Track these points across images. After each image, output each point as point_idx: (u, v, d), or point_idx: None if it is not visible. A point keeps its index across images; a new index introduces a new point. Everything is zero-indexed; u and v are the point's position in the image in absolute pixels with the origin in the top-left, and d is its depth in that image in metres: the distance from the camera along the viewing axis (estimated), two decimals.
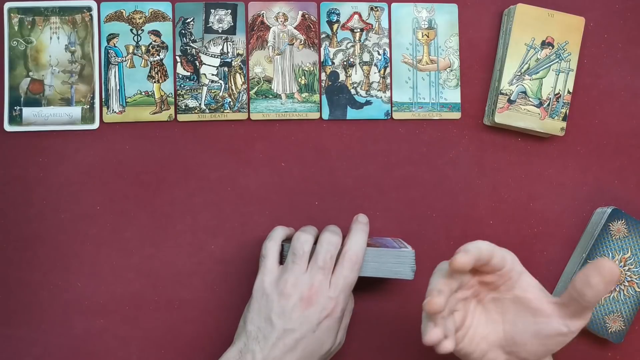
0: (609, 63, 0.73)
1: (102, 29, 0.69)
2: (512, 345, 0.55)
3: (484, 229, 0.71)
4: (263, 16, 0.70)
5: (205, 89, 0.69)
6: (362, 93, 0.71)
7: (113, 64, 0.69)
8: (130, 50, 0.69)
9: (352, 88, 0.70)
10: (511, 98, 0.69)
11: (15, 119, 0.68)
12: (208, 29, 0.70)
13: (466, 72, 0.72)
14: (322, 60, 0.71)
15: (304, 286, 0.60)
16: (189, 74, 0.69)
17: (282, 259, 0.62)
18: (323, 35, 0.71)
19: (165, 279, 0.68)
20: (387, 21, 0.71)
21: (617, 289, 0.69)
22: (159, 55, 0.69)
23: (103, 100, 0.68)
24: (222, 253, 0.69)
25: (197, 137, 0.69)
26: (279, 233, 0.64)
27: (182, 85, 0.69)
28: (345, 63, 0.71)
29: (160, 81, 0.69)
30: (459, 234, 0.71)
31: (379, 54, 0.71)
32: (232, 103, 0.69)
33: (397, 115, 0.71)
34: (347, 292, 0.61)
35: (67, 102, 0.68)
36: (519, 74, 0.69)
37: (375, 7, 0.71)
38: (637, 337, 0.72)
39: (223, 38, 0.70)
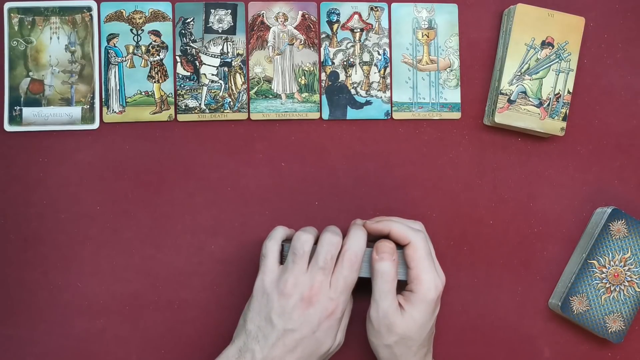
0: (609, 63, 0.73)
1: (102, 29, 0.69)
2: None
3: (484, 229, 0.71)
4: (263, 16, 0.70)
5: (205, 89, 0.69)
6: (362, 93, 0.71)
7: (113, 64, 0.69)
8: (130, 50, 0.69)
9: (352, 88, 0.70)
10: (511, 98, 0.69)
11: (15, 119, 0.68)
12: (208, 29, 0.70)
13: (466, 72, 0.72)
14: (322, 60, 0.71)
15: (304, 286, 0.59)
16: (189, 74, 0.69)
17: (282, 259, 0.62)
18: (323, 35, 0.71)
19: (165, 279, 0.68)
20: (387, 21, 0.71)
21: (617, 289, 0.69)
22: (159, 55, 0.69)
23: (103, 100, 0.68)
24: (222, 253, 0.69)
25: (197, 137, 0.69)
26: (279, 233, 0.64)
27: (182, 85, 0.69)
28: (345, 63, 0.71)
29: (160, 81, 0.69)
30: (459, 234, 0.71)
31: (379, 54, 0.71)
32: (232, 103, 0.69)
33: (397, 115, 0.71)
34: (347, 293, 0.61)
35: (67, 102, 0.68)
36: (519, 74, 0.69)
37: (375, 7, 0.71)
38: (637, 337, 0.72)
39: (223, 38, 0.70)
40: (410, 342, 0.61)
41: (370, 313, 0.61)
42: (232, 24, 0.70)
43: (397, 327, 0.60)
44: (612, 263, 0.69)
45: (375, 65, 0.71)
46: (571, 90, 0.70)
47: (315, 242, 0.62)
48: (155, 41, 0.69)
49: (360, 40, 0.71)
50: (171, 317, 0.68)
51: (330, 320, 0.60)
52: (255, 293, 0.61)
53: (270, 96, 0.70)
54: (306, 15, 0.71)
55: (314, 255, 0.61)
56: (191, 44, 0.69)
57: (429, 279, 0.61)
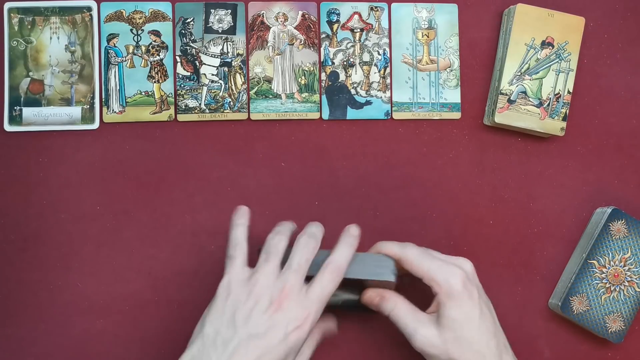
0: (609, 63, 0.73)
1: (102, 29, 0.69)
2: None
3: (484, 229, 0.71)
4: (263, 16, 0.70)
5: (205, 89, 0.69)
6: (362, 93, 0.71)
7: (113, 64, 0.69)
8: (130, 50, 0.69)
9: (352, 88, 0.70)
10: (511, 98, 0.69)
11: (15, 119, 0.68)
12: (208, 29, 0.70)
13: (466, 72, 0.72)
14: (322, 60, 0.71)
15: (275, 288, 0.55)
16: (189, 74, 0.69)
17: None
18: (323, 35, 0.71)
19: (165, 279, 0.68)
20: (387, 21, 0.71)
21: (617, 289, 0.69)
22: (159, 55, 0.69)
23: (103, 100, 0.68)
24: (222, 253, 0.68)
25: (197, 137, 0.69)
26: (243, 233, 0.59)
27: (182, 85, 0.69)
28: (345, 63, 0.71)
29: (160, 81, 0.69)
30: (459, 234, 0.71)
31: (379, 54, 0.71)
32: (232, 103, 0.69)
33: (397, 115, 0.71)
34: (321, 305, 0.56)
35: (67, 102, 0.68)
36: (519, 74, 0.69)
37: (375, 7, 0.71)
38: (637, 337, 0.72)
39: (223, 38, 0.70)
40: (466, 342, 0.57)
41: (417, 345, 0.58)
42: (232, 24, 0.70)
43: (447, 336, 0.57)
44: (612, 263, 0.69)
45: (375, 65, 0.71)
46: (571, 90, 0.70)
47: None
48: (155, 41, 0.69)
49: (360, 40, 0.71)
50: (171, 317, 0.68)
51: (299, 332, 0.54)
52: (218, 293, 0.56)
53: (270, 96, 0.70)
54: (306, 15, 0.71)
55: (289, 257, 0.57)
56: (191, 44, 0.69)
57: (440, 272, 0.58)
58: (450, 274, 0.58)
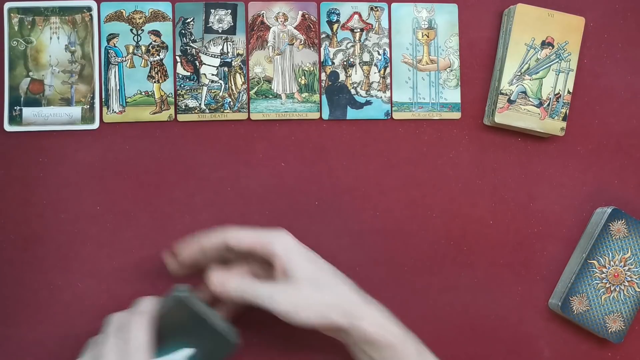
0: (609, 63, 0.73)
1: (102, 29, 0.69)
2: None
3: (484, 229, 0.71)
4: (263, 16, 0.70)
5: (205, 89, 0.69)
6: (362, 93, 0.71)
7: (113, 64, 0.69)
8: (130, 50, 0.69)
9: (352, 88, 0.70)
10: (511, 98, 0.69)
11: (15, 119, 0.68)
12: (208, 29, 0.70)
13: (466, 72, 0.72)
14: (322, 60, 0.71)
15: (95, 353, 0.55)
16: (189, 74, 0.69)
17: None
18: (323, 35, 0.71)
19: (165, 279, 0.68)
20: (387, 21, 0.71)
21: (617, 289, 0.69)
22: (159, 55, 0.69)
23: (103, 100, 0.68)
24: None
25: (197, 137, 0.69)
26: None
27: (182, 85, 0.69)
28: (345, 63, 0.71)
29: (160, 81, 0.69)
30: (459, 234, 0.71)
31: (379, 54, 0.71)
32: (232, 103, 0.69)
33: (397, 115, 0.71)
34: (145, 354, 0.55)
35: (67, 102, 0.68)
36: (519, 74, 0.69)
37: (375, 7, 0.71)
38: (637, 337, 0.72)
39: (223, 38, 0.70)
40: (327, 287, 0.57)
41: (280, 308, 0.56)
42: (232, 24, 0.70)
43: (296, 291, 0.56)
44: (612, 263, 0.69)
45: (375, 65, 0.71)
46: (571, 90, 0.70)
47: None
48: (155, 41, 0.69)
49: (360, 40, 0.71)
50: None
51: None
52: None
53: (270, 96, 0.70)
54: (306, 15, 0.71)
55: (106, 326, 0.58)
56: (191, 44, 0.69)
57: (269, 234, 0.59)
58: (278, 234, 0.59)
